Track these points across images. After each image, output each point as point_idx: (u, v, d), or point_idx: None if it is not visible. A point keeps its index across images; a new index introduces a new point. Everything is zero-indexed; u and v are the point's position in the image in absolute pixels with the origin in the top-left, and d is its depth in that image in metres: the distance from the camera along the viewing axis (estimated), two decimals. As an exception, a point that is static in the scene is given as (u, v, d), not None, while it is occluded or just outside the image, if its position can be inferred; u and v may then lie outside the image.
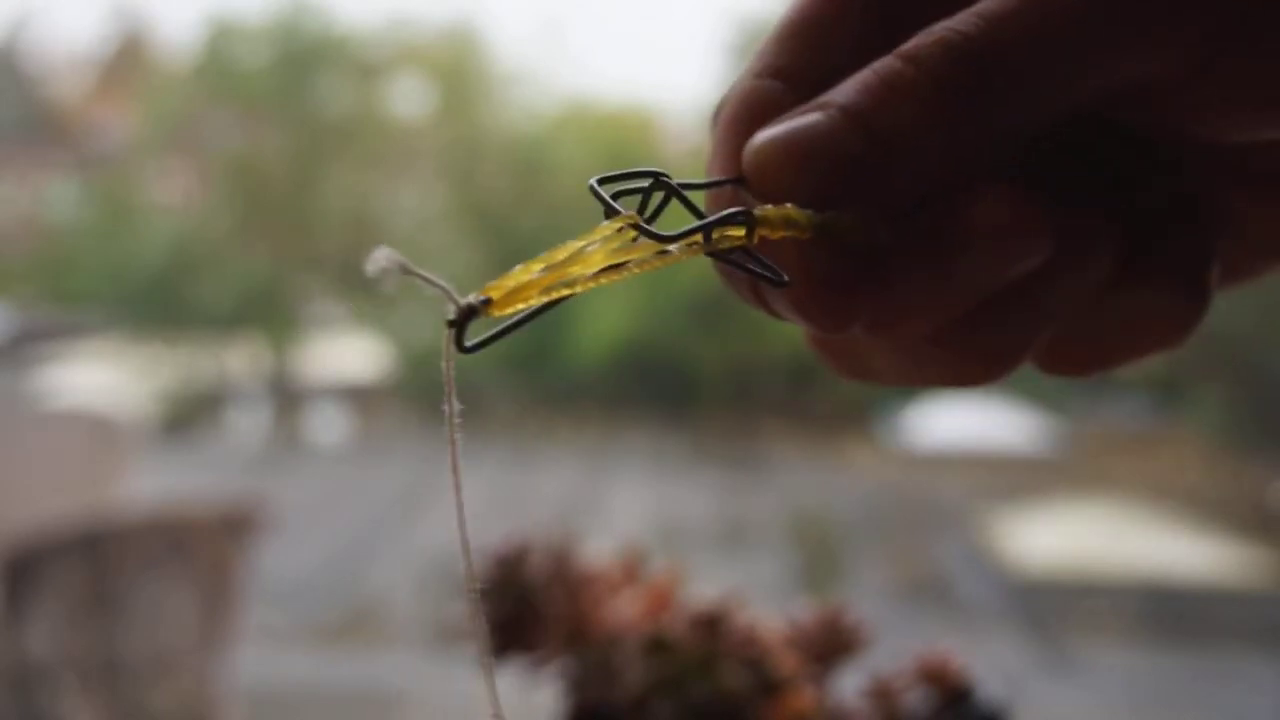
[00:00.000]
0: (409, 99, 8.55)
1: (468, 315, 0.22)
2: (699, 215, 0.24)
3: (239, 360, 7.81)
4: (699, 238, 0.23)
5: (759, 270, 0.24)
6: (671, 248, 0.23)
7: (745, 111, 0.26)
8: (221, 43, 7.97)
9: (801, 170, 0.24)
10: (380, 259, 0.21)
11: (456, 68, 8.06)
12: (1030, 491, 5.07)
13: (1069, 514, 4.72)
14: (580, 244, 0.22)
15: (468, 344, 0.22)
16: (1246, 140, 0.25)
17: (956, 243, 0.24)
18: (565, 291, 0.22)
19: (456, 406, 0.23)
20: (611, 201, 0.23)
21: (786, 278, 0.24)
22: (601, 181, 0.24)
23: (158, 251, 7.64)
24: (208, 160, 8.15)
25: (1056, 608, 3.87)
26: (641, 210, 0.24)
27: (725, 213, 0.23)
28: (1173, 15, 0.23)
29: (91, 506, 2.28)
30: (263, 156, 7.86)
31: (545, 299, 0.22)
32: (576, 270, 0.22)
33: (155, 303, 7.54)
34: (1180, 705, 3.14)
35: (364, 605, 3.85)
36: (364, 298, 7.98)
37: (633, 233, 0.23)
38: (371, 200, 8.04)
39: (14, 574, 1.93)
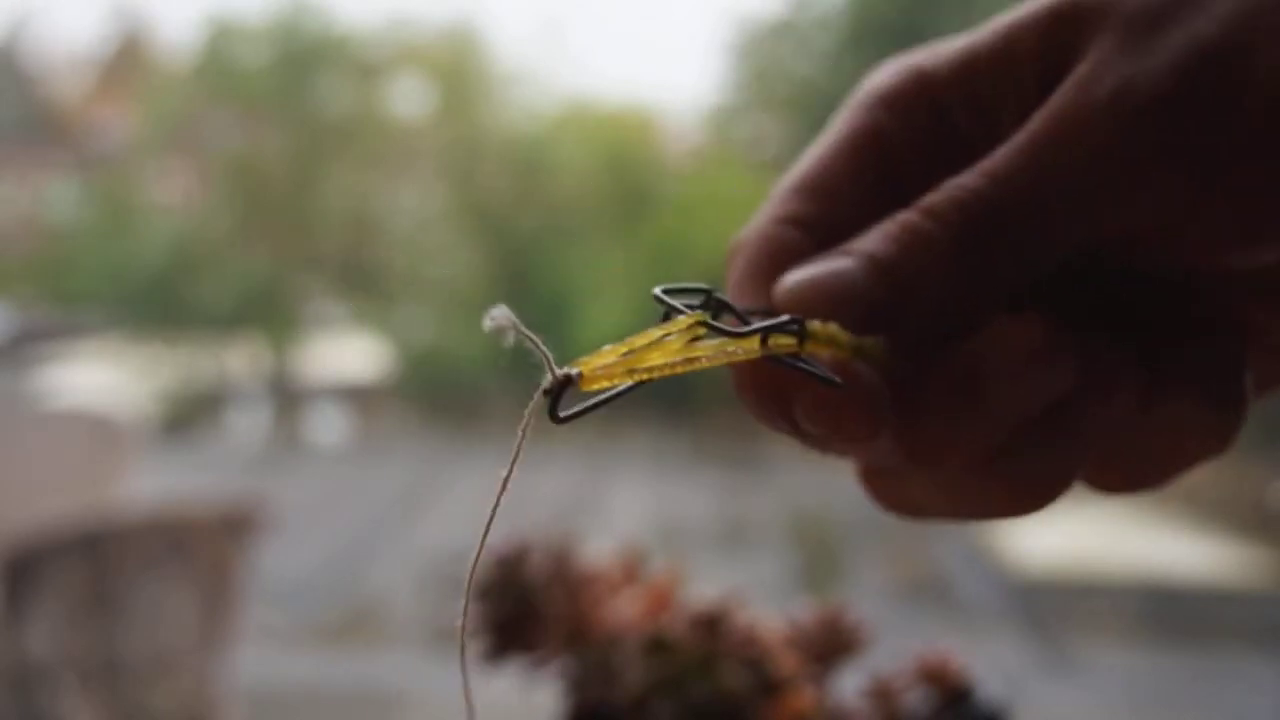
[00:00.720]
0: (409, 99, 8.55)
1: (563, 386, 0.24)
2: (746, 324, 0.27)
3: (239, 360, 7.80)
4: (758, 341, 0.25)
5: (812, 370, 0.26)
6: (733, 347, 0.25)
7: (767, 254, 0.29)
8: (221, 43, 7.97)
9: (831, 310, 0.27)
10: (497, 316, 0.23)
11: (456, 68, 8.05)
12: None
13: (1069, 514, 4.72)
14: (659, 333, 0.25)
15: (561, 414, 0.24)
16: (1247, 266, 0.27)
17: (977, 371, 0.26)
18: (645, 376, 0.25)
19: (515, 464, 0.24)
20: (679, 306, 0.26)
21: (838, 380, 0.26)
22: (664, 291, 0.27)
23: (158, 251, 7.63)
24: (208, 160, 8.14)
25: (1056, 608, 3.87)
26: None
27: (782, 319, 0.26)
28: (1150, 173, 0.25)
29: (91, 506, 2.28)
30: (263, 156, 7.85)
31: (630, 380, 0.24)
32: (655, 357, 0.25)
33: (155, 303, 7.53)
34: (1180, 705, 3.14)
35: (364, 605, 3.85)
36: (364, 298, 7.98)
37: (700, 330, 0.26)
38: (371, 200, 8.04)
39: (14, 574, 1.93)
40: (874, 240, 0.27)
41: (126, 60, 9.35)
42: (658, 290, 0.26)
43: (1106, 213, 0.26)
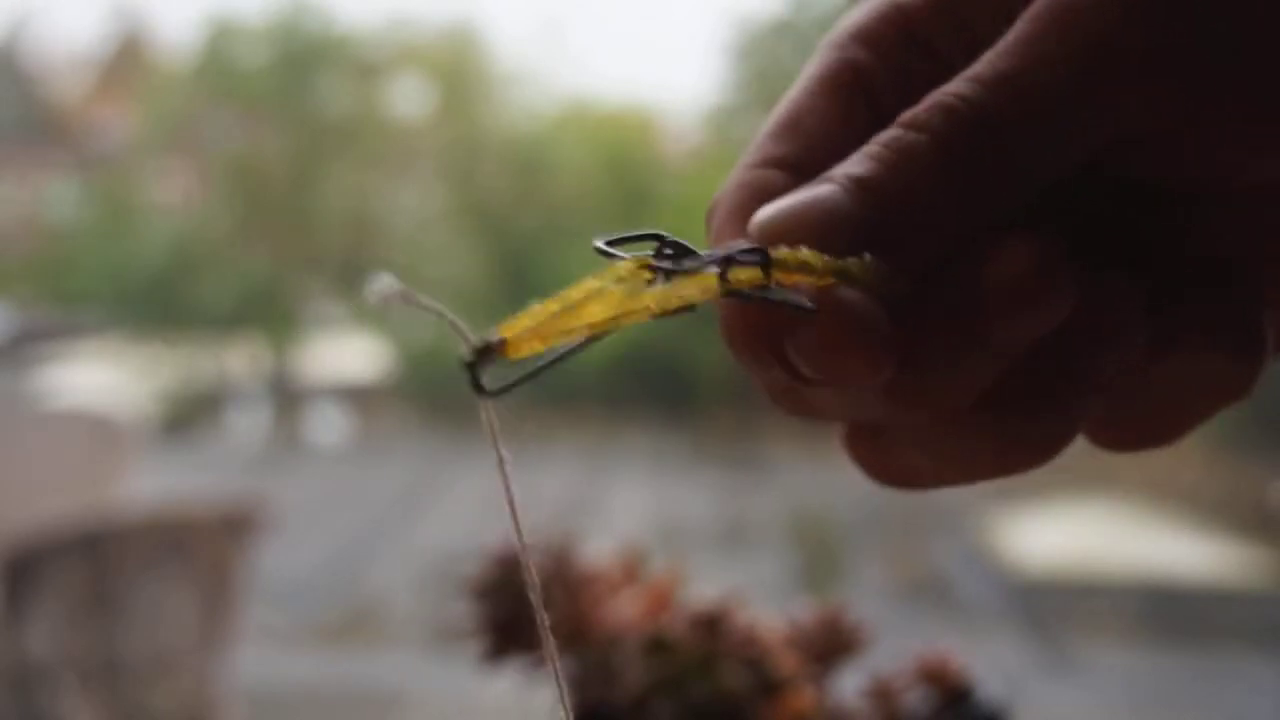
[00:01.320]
0: (409, 99, 8.55)
1: (483, 356, 0.21)
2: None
3: (239, 360, 7.80)
4: (714, 280, 0.23)
5: (780, 299, 0.23)
6: (688, 291, 0.22)
7: (747, 198, 0.27)
8: (221, 43, 7.97)
9: (815, 240, 0.24)
10: (382, 286, 0.20)
11: (456, 68, 8.05)
12: (1030, 491, 5.07)
13: (1069, 514, 4.73)
14: (596, 284, 0.22)
15: (488, 387, 0.21)
16: (1261, 179, 0.25)
17: (974, 294, 0.24)
18: (586, 334, 0.22)
19: (505, 453, 0.22)
20: (621, 255, 0.23)
21: (810, 304, 0.23)
22: (608, 242, 0.24)
23: (158, 251, 7.64)
24: (208, 160, 8.14)
25: (1056, 608, 3.87)
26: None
27: (741, 247, 0.23)
28: (1149, 65, 0.24)
29: (91, 506, 2.28)
30: (263, 156, 7.86)
31: (567, 341, 0.22)
32: (595, 311, 0.22)
33: (155, 303, 7.54)
34: (1180, 705, 3.14)
35: (364, 605, 3.85)
36: (364, 298, 7.98)
37: (647, 275, 0.23)
38: (371, 200, 8.04)
39: (14, 574, 1.93)
40: (855, 162, 0.25)
41: (126, 60, 9.35)
42: (599, 242, 0.23)
43: (1104, 112, 0.24)
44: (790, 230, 0.24)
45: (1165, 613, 3.82)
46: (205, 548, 2.05)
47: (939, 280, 0.24)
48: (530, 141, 7.76)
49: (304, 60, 7.84)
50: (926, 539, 4.55)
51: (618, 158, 7.52)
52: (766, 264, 0.23)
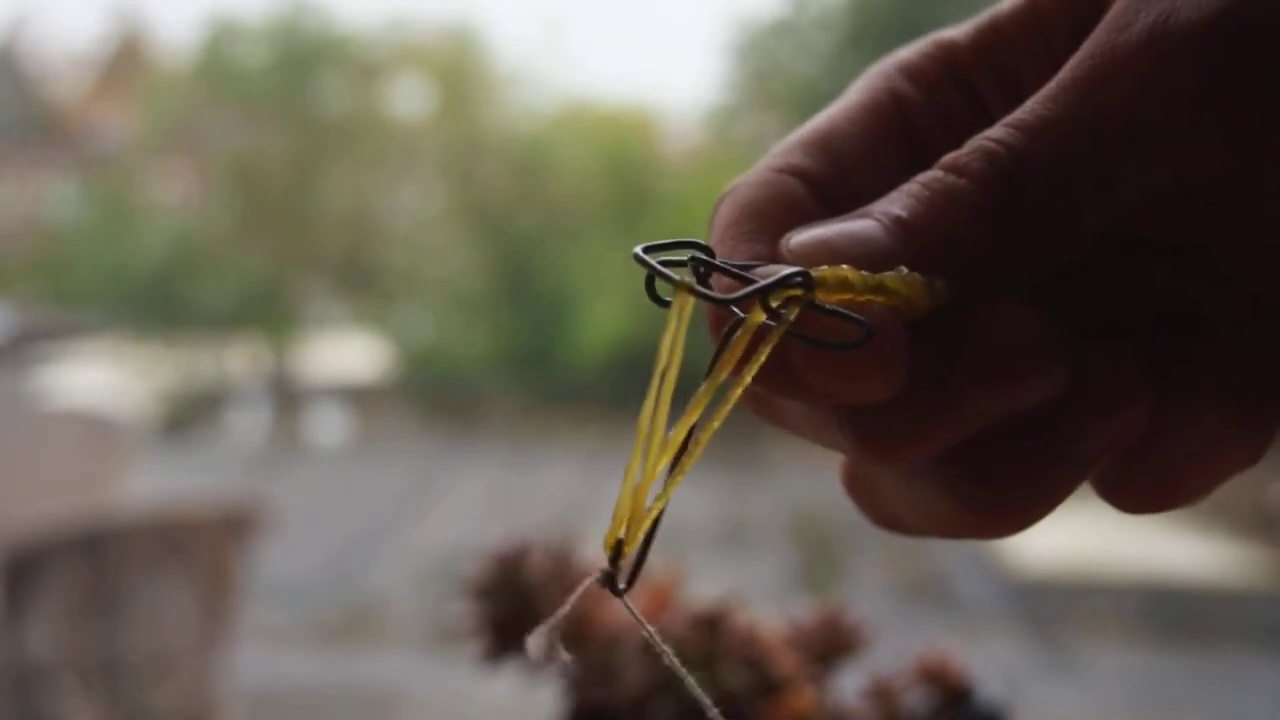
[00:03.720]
0: (409, 99, 8.55)
1: (611, 584, 0.23)
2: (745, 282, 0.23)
3: (239, 360, 7.81)
4: (758, 303, 0.22)
5: (837, 313, 0.22)
6: (730, 357, 0.23)
7: (764, 199, 0.26)
8: (221, 43, 7.97)
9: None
10: (541, 639, 0.23)
11: (456, 68, 8.06)
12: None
13: (1069, 514, 4.72)
14: (639, 448, 0.23)
15: (622, 587, 0.23)
16: None
17: (957, 354, 0.23)
18: (678, 480, 0.23)
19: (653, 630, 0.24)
20: (656, 267, 0.22)
21: (864, 319, 0.22)
22: (645, 249, 0.23)
23: (158, 251, 7.64)
24: (208, 160, 8.15)
25: (1056, 608, 3.87)
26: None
27: (783, 272, 0.22)
28: (1197, 114, 0.23)
29: (91, 506, 2.28)
30: (263, 156, 7.86)
31: (658, 504, 0.23)
32: (658, 465, 0.23)
33: (155, 303, 7.54)
34: (1180, 705, 3.14)
35: (363, 605, 3.85)
36: (364, 298, 7.99)
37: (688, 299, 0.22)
38: (371, 200, 8.04)
39: (14, 574, 1.93)
40: (897, 200, 0.24)
41: (126, 60, 9.35)
42: (638, 250, 0.23)
43: (1147, 164, 0.24)
44: (825, 262, 0.23)
45: (1165, 613, 3.82)
46: (205, 548, 2.05)
47: (932, 329, 0.24)
48: (530, 141, 7.76)
49: (304, 60, 7.84)
50: (927, 539, 4.55)
51: (618, 158, 7.51)
52: (809, 285, 0.22)
